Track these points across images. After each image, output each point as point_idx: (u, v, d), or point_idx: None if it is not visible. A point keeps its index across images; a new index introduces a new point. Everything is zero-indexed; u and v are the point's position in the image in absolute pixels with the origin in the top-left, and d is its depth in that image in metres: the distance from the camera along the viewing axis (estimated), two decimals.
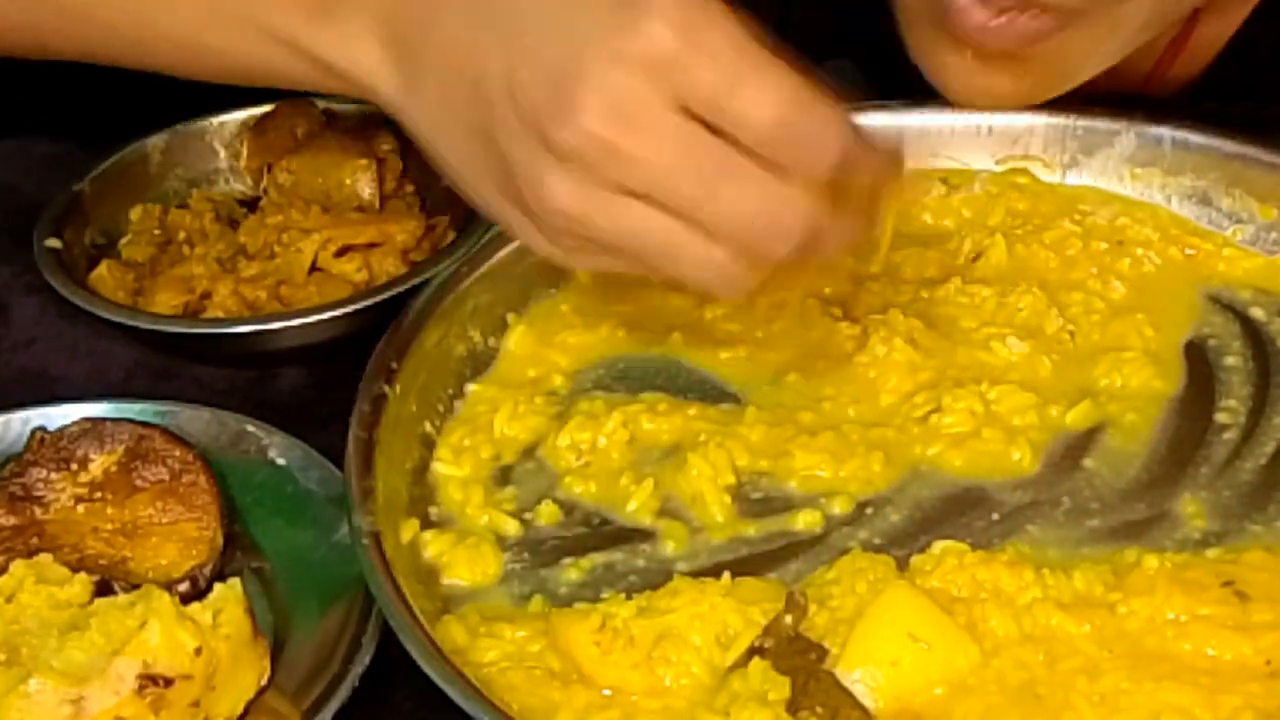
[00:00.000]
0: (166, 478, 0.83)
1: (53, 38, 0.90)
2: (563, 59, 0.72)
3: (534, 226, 0.76)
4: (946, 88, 0.93)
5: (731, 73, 0.71)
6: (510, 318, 0.92)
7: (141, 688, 0.70)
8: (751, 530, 0.81)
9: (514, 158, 0.74)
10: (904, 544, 0.79)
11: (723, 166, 0.72)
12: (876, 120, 0.98)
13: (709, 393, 0.88)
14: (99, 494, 0.83)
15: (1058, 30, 0.85)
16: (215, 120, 1.07)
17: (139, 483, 0.83)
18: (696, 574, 0.78)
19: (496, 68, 0.74)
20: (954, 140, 0.99)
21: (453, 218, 1.01)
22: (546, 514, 0.82)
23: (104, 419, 0.85)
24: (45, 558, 0.78)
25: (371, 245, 0.99)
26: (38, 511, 0.82)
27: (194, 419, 0.87)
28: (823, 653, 0.73)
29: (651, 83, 0.71)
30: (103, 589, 0.77)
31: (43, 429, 0.85)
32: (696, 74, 0.71)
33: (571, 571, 0.79)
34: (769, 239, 0.74)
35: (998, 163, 0.99)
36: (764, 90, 0.71)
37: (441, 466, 0.85)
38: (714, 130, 0.72)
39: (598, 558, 0.80)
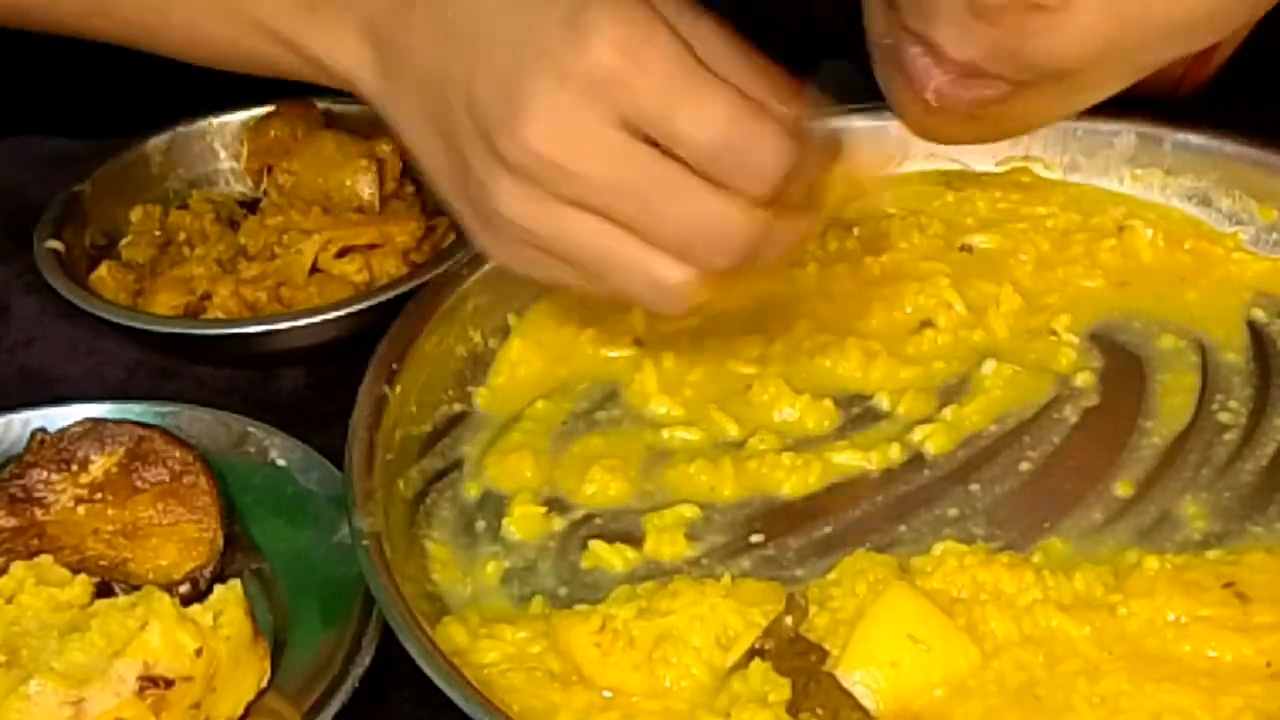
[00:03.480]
0: (167, 479, 0.83)
1: (69, 19, 0.92)
2: (513, 71, 0.74)
3: (489, 230, 0.78)
4: (905, 123, 0.93)
5: (673, 91, 0.73)
6: (511, 320, 0.92)
7: (142, 689, 0.70)
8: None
9: (469, 162, 0.76)
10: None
11: (664, 183, 0.74)
12: (877, 121, 0.98)
13: None
14: (99, 495, 0.83)
15: (1012, 96, 0.85)
16: (215, 121, 1.07)
17: (139, 484, 0.83)
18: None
19: (458, 72, 0.76)
20: None
21: (453, 219, 1.01)
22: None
23: (104, 420, 0.85)
24: (46, 559, 0.78)
25: (372, 246, 0.99)
26: (38, 513, 0.82)
27: (194, 420, 0.87)
28: (823, 654, 0.73)
29: (594, 101, 0.73)
30: (103, 590, 0.77)
31: (43, 430, 0.85)
32: (638, 92, 0.72)
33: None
34: (709, 254, 0.75)
35: (998, 163, 0.99)
36: (704, 108, 0.73)
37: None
38: (658, 147, 0.73)
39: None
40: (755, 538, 0.81)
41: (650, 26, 0.73)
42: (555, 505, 0.83)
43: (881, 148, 0.98)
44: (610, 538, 0.81)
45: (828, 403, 0.87)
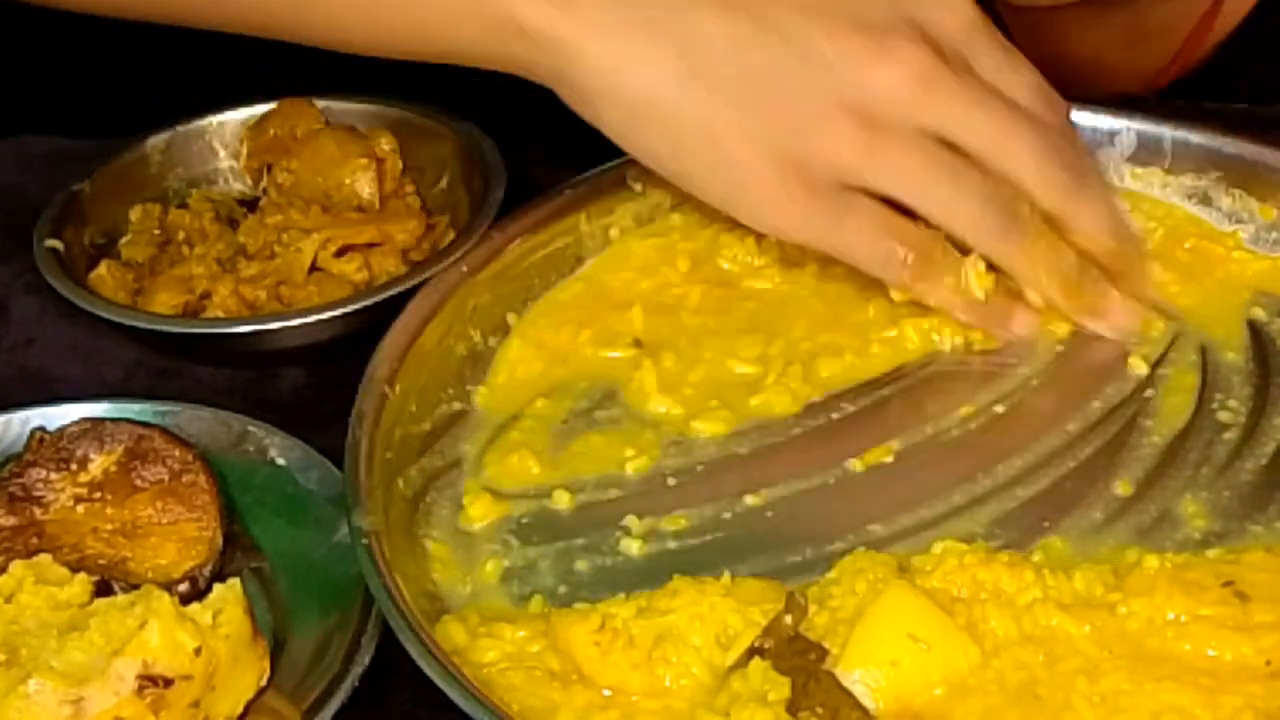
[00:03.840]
0: (166, 478, 0.83)
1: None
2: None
3: (785, 152, 0.83)
4: None
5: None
6: (511, 319, 0.92)
7: (141, 688, 0.70)
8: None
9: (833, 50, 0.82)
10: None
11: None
12: None
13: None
14: (98, 494, 0.83)
15: None
16: (215, 120, 1.07)
17: (139, 483, 0.83)
18: None
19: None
20: None
21: (452, 217, 1.01)
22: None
23: (103, 419, 0.85)
24: (45, 558, 0.78)
25: (371, 245, 0.99)
26: (37, 512, 0.82)
27: (194, 419, 0.87)
28: (823, 653, 0.72)
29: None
30: (102, 589, 0.77)
31: (42, 429, 0.85)
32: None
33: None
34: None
35: None
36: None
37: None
38: None
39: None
40: None
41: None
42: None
43: None
44: None
45: (827, 402, 0.87)
